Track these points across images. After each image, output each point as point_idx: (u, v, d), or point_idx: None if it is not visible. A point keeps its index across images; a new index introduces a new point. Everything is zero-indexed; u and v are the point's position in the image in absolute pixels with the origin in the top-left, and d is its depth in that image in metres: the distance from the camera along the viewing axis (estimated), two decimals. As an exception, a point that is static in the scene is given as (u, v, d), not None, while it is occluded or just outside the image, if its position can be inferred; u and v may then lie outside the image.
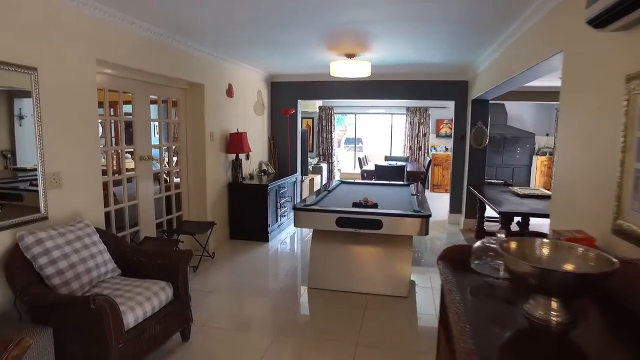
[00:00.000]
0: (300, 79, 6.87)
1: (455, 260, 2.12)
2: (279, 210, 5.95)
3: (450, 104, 10.61)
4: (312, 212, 3.68)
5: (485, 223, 6.03)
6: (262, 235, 5.56)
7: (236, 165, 5.60)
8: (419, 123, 10.81)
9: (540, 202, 4.86)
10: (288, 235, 6.03)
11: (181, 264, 2.76)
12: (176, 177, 5.01)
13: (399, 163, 8.77)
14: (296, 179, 6.84)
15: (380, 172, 7.53)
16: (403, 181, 7.48)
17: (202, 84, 4.84)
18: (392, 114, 11.33)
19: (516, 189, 5.45)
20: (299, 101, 7.13)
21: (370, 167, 8.27)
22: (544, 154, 9.73)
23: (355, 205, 3.93)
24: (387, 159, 10.26)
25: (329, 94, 6.95)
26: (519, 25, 3.46)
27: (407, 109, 10.81)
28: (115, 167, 4.49)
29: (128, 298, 2.37)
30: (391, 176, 7.41)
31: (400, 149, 11.50)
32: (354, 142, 17.47)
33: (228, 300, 3.75)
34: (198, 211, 5.05)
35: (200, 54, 4.74)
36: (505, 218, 4.44)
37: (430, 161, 8.32)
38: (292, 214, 6.69)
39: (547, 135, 10.04)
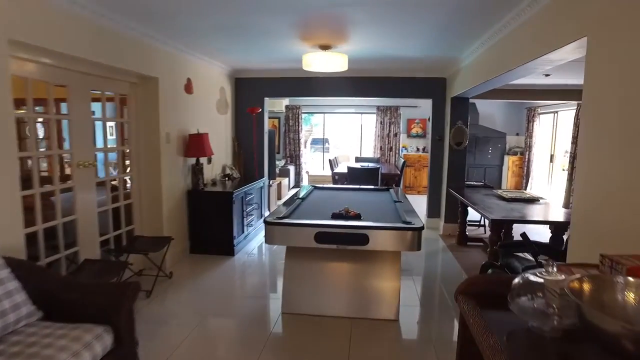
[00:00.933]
0: (267, 74, 6.30)
1: (481, 294, 1.66)
2: (245, 219, 5.36)
3: (424, 103, 10.48)
4: (286, 227, 3.15)
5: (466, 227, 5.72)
6: (227, 248, 4.97)
7: (197, 170, 4.97)
8: (389, 123, 10.50)
9: (528, 206, 4.57)
10: (256, 247, 5.46)
11: (125, 302, 2.16)
12: (128, 185, 4.33)
13: (372, 165, 8.37)
14: (263, 183, 6.27)
15: (353, 175, 7.09)
16: (377, 184, 7.09)
17: (155, 78, 4.20)
18: (362, 113, 10.96)
19: (500, 192, 5.16)
20: (266, 99, 6.56)
21: (342, 169, 7.82)
22: (515, 153, 9.65)
23: (335, 216, 3.44)
24: (357, 160, 9.86)
25: (300, 91, 6.42)
26: (521, 10, 3.08)
27: (378, 108, 10.47)
28: (49, 175, 3.77)
29: (45, 358, 1.75)
30: (365, 179, 6.99)
31: (370, 150, 11.14)
32: (321, 142, 17.06)
33: (188, 332, 3.15)
34: (152, 224, 4.40)
35: (153, 43, 4.09)
36: (497, 226, 4.10)
37: (404, 162, 7.99)
38: (260, 222, 6.14)
39: (517, 134, 9.98)
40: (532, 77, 5.25)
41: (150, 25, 3.70)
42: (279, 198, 8.30)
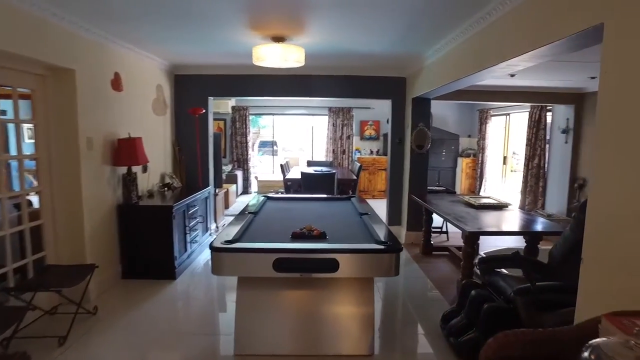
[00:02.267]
0: (212, 71, 5.63)
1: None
2: (188, 235, 4.67)
3: (377, 104, 10.21)
4: (238, 253, 2.56)
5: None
6: (167, 271, 4.25)
7: (129, 181, 4.21)
8: (342, 125, 10.12)
9: (498, 214, 4.31)
10: (200, 266, 4.78)
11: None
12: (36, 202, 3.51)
13: (326, 169, 7.92)
14: (209, 193, 5.58)
15: (308, 181, 6.59)
16: (334, 191, 6.64)
17: (71, 70, 3.43)
18: (313, 115, 10.49)
19: (467, 198, 4.88)
20: (210, 99, 5.88)
21: (294, 175, 7.28)
22: (468, 155, 9.64)
23: (296, 236, 2.90)
24: (310, 164, 9.36)
25: (249, 90, 5.81)
26: (492, 9, 2.73)
27: (330, 109, 10.06)
28: None
29: None
30: (320, 186, 6.51)
31: (322, 153, 10.70)
32: (270, 145, 16.42)
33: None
34: (71, 248, 3.60)
35: (70, 27, 3.32)
36: (473, 238, 3.76)
37: (360, 167, 7.62)
38: (206, 237, 5.44)
39: (470, 136, 10.00)
40: (495, 77, 5.03)
41: (66, 3, 2.95)
42: (227, 207, 7.60)
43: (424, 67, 4.93)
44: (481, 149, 9.06)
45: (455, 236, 5.95)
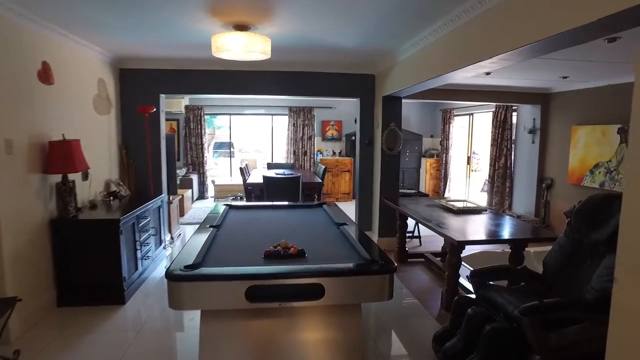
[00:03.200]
0: (164, 65, 5.03)
1: None
2: (139, 251, 4.07)
3: (339, 103, 9.89)
4: (203, 282, 2.09)
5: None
6: (114, 294, 3.65)
7: (64, 191, 3.57)
8: (303, 125, 9.72)
9: (479, 218, 4.09)
10: (154, 285, 4.20)
11: None
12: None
13: (288, 172, 7.49)
14: (162, 201, 4.98)
15: (271, 186, 6.12)
16: (299, 196, 6.22)
17: (-16, 57, 2.78)
18: (272, 114, 10.01)
19: (443, 202, 4.64)
20: (162, 97, 5.27)
21: (256, 179, 6.78)
22: (432, 156, 9.56)
23: (269, 256, 2.46)
24: (270, 166, 8.87)
25: (206, 87, 5.25)
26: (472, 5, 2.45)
27: (290, 109, 9.63)
28: None
29: None
30: (285, 190, 6.07)
31: (282, 155, 10.25)
32: (226, 147, 15.74)
33: None
34: (-12, 276, 2.94)
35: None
36: (459, 247, 3.47)
37: (325, 169, 7.25)
38: (160, 251, 4.84)
39: (432, 136, 9.93)
40: (474, 76, 4.81)
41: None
42: (182, 214, 6.97)
43: (396, 64, 4.64)
44: (445, 149, 9.00)
45: (428, 240, 5.73)
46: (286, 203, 4.34)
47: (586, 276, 2.72)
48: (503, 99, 6.32)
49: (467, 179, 8.75)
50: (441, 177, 9.13)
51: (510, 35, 2.49)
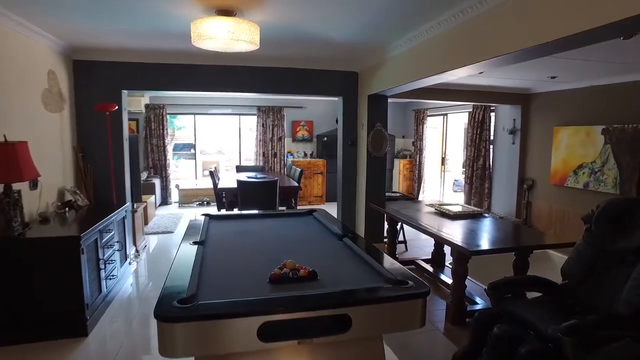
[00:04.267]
0: (127, 57, 4.47)
1: None
2: (103, 271, 3.51)
3: (309, 103, 9.52)
4: (206, 322, 1.66)
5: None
6: (74, 325, 3.08)
7: (7, 203, 2.96)
8: (272, 125, 9.28)
9: (479, 223, 3.87)
10: (120, 308, 3.65)
11: None
12: None
13: (261, 175, 7.05)
14: (126, 211, 4.40)
15: (246, 191, 5.65)
16: (276, 201, 5.79)
17: None
18: (240, 114, 9.49)
19: (436, 206, 4.40)
20: (125, 93, 4.69)
21: (228, 183, 6.27)
22: (404, 156, 9.42)
23: (276, 280, 2.06)
24: (239, 169, 8.37)
25: (176, 83, 4.73)
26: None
27: (259, 108, 9.16)
28: None
29: None
30: (261, 196, 5.62)
31: (251, 156, 9.76)
32: (189, 148, 14.98)
33: None
34: None
35: None
36: (465, 256, 3.22)
37: (301, 172, 6.86)
38: (125, 267, 4.27)
39: (404, 137, 9.81)
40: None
41: None
42: (146, 223, 6.34)
43: (385, 61, 4.36)
44: (418, 150, 8.87)
45: (414, 245, 5.51)
46: (272, 212, 3.93)
47: (612, 287, 2.53)
48: (481, 99, 6.22)
49: (442, 180, 8.68)
50: (415, 178, 9.01)
51: (524, 32, 2.30)
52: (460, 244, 3.08)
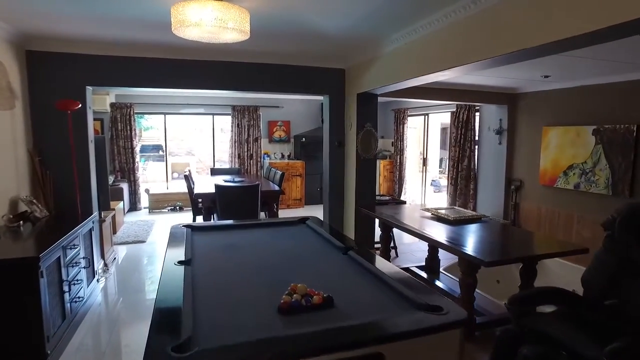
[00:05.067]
0: (93, 48, 3.99)
1: None
2: (67, 294, 3.04)
3: (286, 103, 9.15)
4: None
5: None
6: (34, 358, 2.62)
7: (-51, 218, 2.47)
8: (248, 125, 8.86)
9: (481, 228, 3.66)
10: (87, 334, 3.19)
11: None
12: None
13: (240, 179, 6.66)
14: (94, 222, 3.91)
15: (225, 197, 5.23)
16: (257, 207, 5.41)
17: None
18: (214, 114, 9.01)
19: (433, 210, 4.16)
20: (89, 89, 4.19)
21: (205, 188, 5.82)
22: (384, 157, 9.22)
23: (287, 311, 1.73)
24: (214, 172, 7.90)
25: (147, 79, 4.27)
26: None
27: (234, 108, 8.72)
28: None
29: None
30: (243, 202, 5.23)
31: (224, 158, 9.31)
32: (157, 150, 14.31)
33: None
34: None
35: None
36: (476, 267, 2.99)
37: (282, 175, 6.49)
38: (92, 287, 3.79)
39: (383, 137, 9.60)
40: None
41: None
42: (114, 232, 5.79)
43: (378, 57, 4.09)
44: (399, 150, 8.69)
45: (404, 250, 5.28)
46: (261, 221, 3.58)
47: (640, 298, 2.36)
48: (466, 98, 6.06)
49: (423, 181, 8.54)
50: (395, 179, 8.83)
51: (542, 25, 2.09)
52: (472, 253, 2.83)
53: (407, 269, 4.56)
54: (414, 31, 3.40)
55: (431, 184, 10.25)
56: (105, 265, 4.44)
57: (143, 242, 5.74)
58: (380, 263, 2.36)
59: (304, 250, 2.73)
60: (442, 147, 11.37)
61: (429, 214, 4.14)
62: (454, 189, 6.95)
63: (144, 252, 5.39)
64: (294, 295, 1.81)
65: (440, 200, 8.36)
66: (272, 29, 3.41)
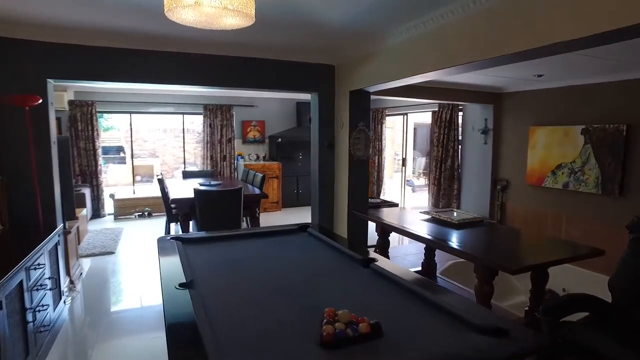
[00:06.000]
0: (55, 35, 3.48)
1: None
2: (31, 324, 2.58)
3: (261, 102, 8.74)
4: None
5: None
6: (-10, 406, 2.17)
7: None
8: (221, 125, 8.41)
9: (487, 231, 3.51)
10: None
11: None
12: None
13: (216, 183, 6.26)
14: (59, 236, 3.41)
15: (206, 203, 4.80)
16: (241, 213, 5.03)
17: None
18: (184, 113, 8.48)
19: (433, 213, 3.97)
20: (51, 83, 3.68)
21: (180, 193, 5.37)
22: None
23: (332, 344, 1.43)
24: (186, 175, 7.40)
25: (117, 72, 3.81)
26: None
27: (205, 107, 8.25)
28: None
29: None
30: (225, 207, 4.83)
31: (191, 159, 8.81)
32: (117, 151, 13.52)
33: None
34: None
35: None
36: (491, 273, 2.81)
37: (263, 177, 6.12)
38: (59, 310, 3.30)
39: (361, 138, 9.41)
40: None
41: None
42: (79, 242, 5.22)
43: (375, 52, 3.84)
44: (377, 150, 8.54)
45: (395, 254, 5.07)
46: (257, 230, 3.23)
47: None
48: (449, 97, 5.93)
49: (403, 181, 8.42)
50: (374, 180, 8.66)
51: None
52: (495, 260, 2.64)
53: (404, 275, 4.36)
54: (422, 24, 3.19)
55: (407, 184, 10.20)
56: (72, 282, 3.93)
57: (112, 253, 5.21)
58: (410, 276, 2.11)
59: (319, 264, 2.43)
60: (414, 147, 11.41)
61: (428, 217, 3.94)
62: (437, 190, 6.85)
63: (113, 265, 4.88)
64: (337, 323, 1.51)
65: (420, 201, 8.28)
66: (265, 15, 3.09)
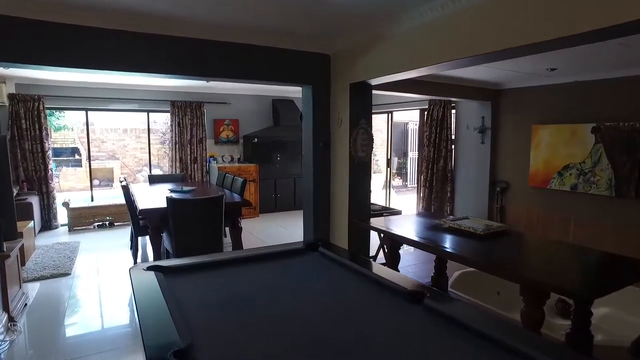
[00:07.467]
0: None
1: None
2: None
3: (234, 99, 8.01)
4: None
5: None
6: None
7: None
8: (191, 125, 7.65)
9: (516, 243, 3.07)
10: None
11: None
12: None
13: (188, 189, 5.55)
14: (-5, 261, 2.64)
15: (182, 213, 4.08)
16: (222, 225, 4.37)
17: None
18: (148, 111, 7.64)
19: (451, 223, 3.49)
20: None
21: (150, 202, 4.61)
22: (345, 159, 8.52)
23: None
24: (153, 180, 6.59)
25: (71, 57, 3.08)
26: None
27: (173, 104, 7.47)
28: None
29: None
30: (207, 218, 4.14)
31: (162, 162, 7.99)
32: (71, 153, 12.38)
33: None
34: None
35: None
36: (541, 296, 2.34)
37: (244, 182, 5.45)
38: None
39: (342, 138, 8.92)
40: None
41: None
42: (23, 263, 4.38)
43: (383, 39, 3.32)
44: (361, 151, 8.04)
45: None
46: (257, 252, 2.61)
47: None
48: (443, 93, 5.48)
49: (388, 183, 7.98)
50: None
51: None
52: (565, 284, 2.16)
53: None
54: (439, 7, 2.70)
55: (383, 186, 9.80)
56: (12, 320, 3.14)
57: (66, 274, 4.39)
58: (479, 318, 1.58)
59: (352, 301, 1.85)
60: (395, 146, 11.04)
61: (444, 226, 3.45)
62: (428, 192, 6.43)
63: (67, 288, 4.07)
64: None
65: (407, 203, 7.87)
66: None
